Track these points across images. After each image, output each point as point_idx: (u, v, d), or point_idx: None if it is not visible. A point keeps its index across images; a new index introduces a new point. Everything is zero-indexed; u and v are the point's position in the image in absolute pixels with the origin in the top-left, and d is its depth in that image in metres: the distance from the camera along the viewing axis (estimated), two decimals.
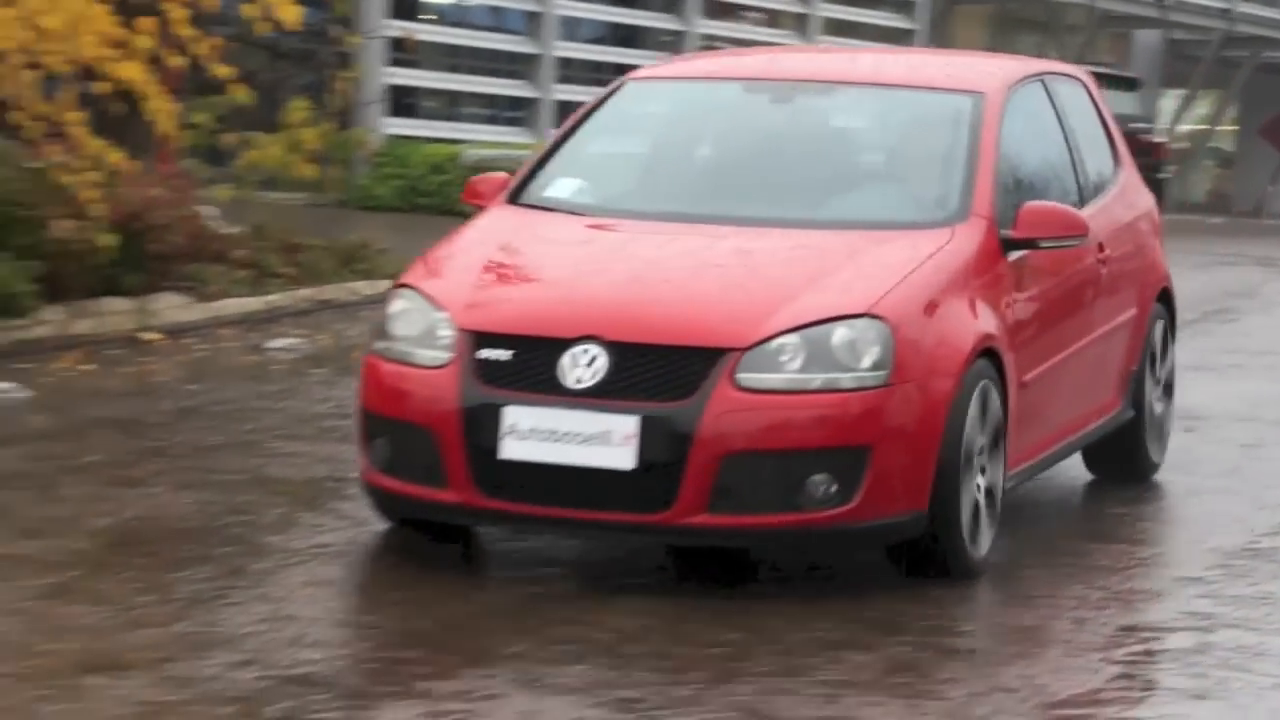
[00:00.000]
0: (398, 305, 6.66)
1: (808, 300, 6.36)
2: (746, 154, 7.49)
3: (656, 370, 6.19)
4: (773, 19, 28.30)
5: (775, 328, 6.24)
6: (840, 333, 6.27)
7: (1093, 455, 8.56)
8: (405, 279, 6.84)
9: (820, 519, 6.23)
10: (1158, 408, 8.73)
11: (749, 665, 5.65)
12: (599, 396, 6.17)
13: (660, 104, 7.94)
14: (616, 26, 25.99)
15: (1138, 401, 8.48)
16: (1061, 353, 7.45)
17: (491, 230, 7.11)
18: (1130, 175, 8.85)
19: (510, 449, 6.21)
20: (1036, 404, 7.18)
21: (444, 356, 6.38)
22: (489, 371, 6.31)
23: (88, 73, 10.42)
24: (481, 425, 6.24)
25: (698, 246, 6.78)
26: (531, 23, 23.63)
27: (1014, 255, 6.98)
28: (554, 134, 7.56)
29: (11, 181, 10.80)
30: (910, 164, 7.41)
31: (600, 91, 7.81)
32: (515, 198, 7.33)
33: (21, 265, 10.50)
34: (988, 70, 7.90)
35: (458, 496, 6.32)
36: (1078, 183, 8.06)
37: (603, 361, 6.21)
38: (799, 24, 28.01)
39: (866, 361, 6.25)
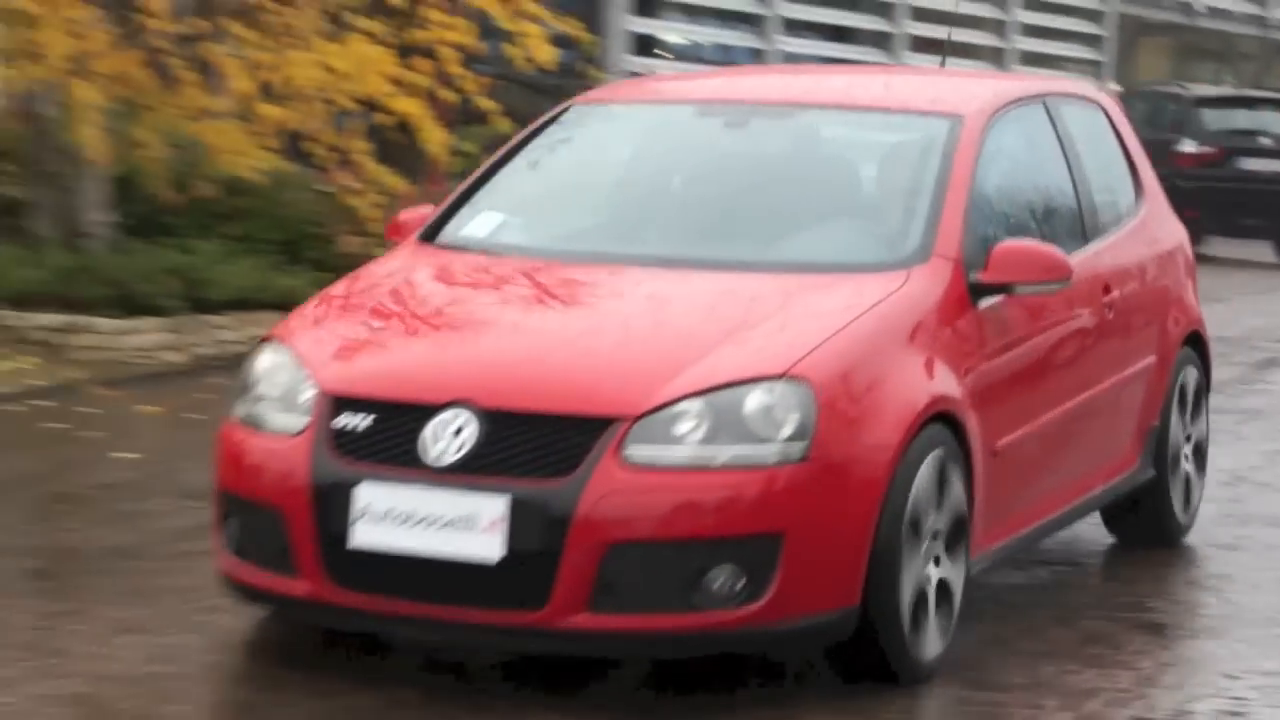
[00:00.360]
0: (263, 362, 5.77)
1: (719, 359, 5.40)
2: (688, 186, 6.62)
3: (532, 443, 5.25)
4: (969, 50, 27.71)
5: (675, 392, 5.28)
6: (754, 398, 5.29)
7: (1111, 516, 7.64)
8: (276, 330, 5.94)
9: (724, 620, 5.24)
10: (1185, 466, 7.73)
11: None
12: (465, 473, 5.24)
13: (603, 130, 7.04)
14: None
15: (1159, 460, 7.48)
16: (1052, 410, 6.48)
17: (386, 274, 6.24)
18: (1156, 207, 7.87)
19: (362, 535, 5.30)
20: (1019, 471, 6.26)
21: (299, 423, 5.49)
22: (345, 442, 5.40)
23: (371, 107, 12.02)
24: (332, 506, 5.34)
25: (610, 293, 5.91)
26: (757, 60, 23.54)
27: (986, 302, 6.02)
28: (485, 163, 6.82)
29: (306, 203, 12.71)
30: (869, 196, 6.47)
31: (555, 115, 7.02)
32: (431, 235, 6.49)
33: (313, 276, 11.49)
34: (973, 91, 6.97)
35: (308, 589, 5.42)
36: (1081, 217, 7.11)
37: (472, 432, 5.28)
38: (995, 57, 27.51)
39: (784, 432, 5.27)
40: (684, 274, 5.92)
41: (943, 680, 5.72)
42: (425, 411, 5.33)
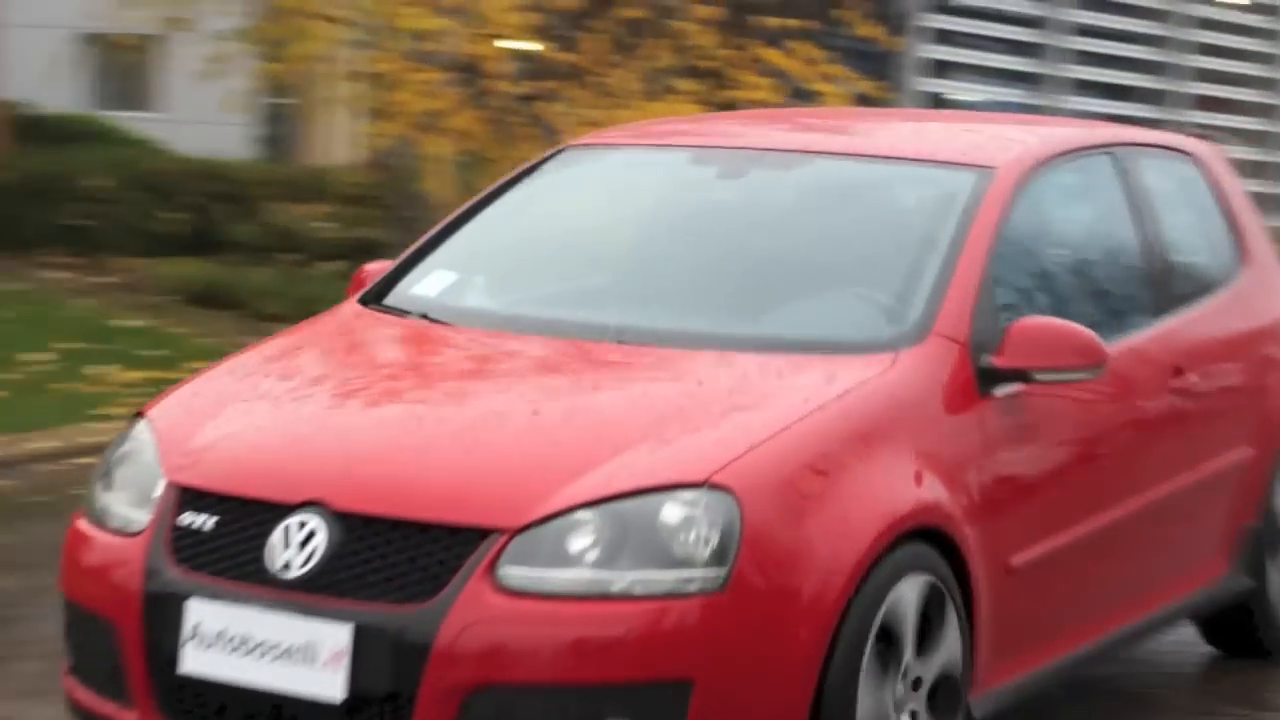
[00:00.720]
0: (125, 445, 4.83)
1: (630, 460, 4.32)
2: (663, 246, 5.57)
3: (389, 557, 4.25)
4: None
5: (567, 500, 4.22)
6: (667, 510, 4.21)
7: (1207, 625, 6.59)
8: (148, 406, 4.99)
9: None
10: None
11: None
12: (308, 592, 4.27)
13: (587, 177, 6.02)
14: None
15: (1256, 566, 6.34)
16: (1096, 516, 5.36)
17: (297, 341, 5.30)
18: (1262, 274, 6.62)
19: (192, 660, 4.38)
20: (1047, 591, 5.17)
21: (144, 520, 4.59)
22: (186, 546, 4.48)
23: None
24: (163, 622, 4.43)
25: (533, 371, 4.90)
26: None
27: (1004, 390, 4.95)
28: (459, 210, 5.93)
29: None
30: (870, 261, 5.28)
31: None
32: (378, 294, 5.54)
33: None
34: (1017, 140, 5.84)
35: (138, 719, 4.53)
36: (1152, 287, 5.97)
37: (322, 539, 4.31)
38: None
39: (700, 554, 4.18)
40: (632, 351, 4.89)
41: None
42: (277, 512, 4.38)
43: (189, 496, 4.53)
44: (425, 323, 5.25)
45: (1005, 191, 5.34)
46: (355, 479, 4.38)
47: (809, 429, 4.47)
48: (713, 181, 5.70)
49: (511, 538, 4.18)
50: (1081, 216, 5.92)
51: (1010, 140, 5.84)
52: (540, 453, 4.39)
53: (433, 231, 5.76)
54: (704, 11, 14.16)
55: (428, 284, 5.51)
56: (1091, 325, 5.12)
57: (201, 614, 4.37)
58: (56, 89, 17.88)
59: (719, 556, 4.18)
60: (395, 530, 4.25)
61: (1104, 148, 6.09)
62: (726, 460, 4.29)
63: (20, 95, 17.65)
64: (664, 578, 4.16)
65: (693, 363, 4.79)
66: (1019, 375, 4.96)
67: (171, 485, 4.56)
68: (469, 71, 13.05)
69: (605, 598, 4.15)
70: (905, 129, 6.39)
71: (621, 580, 4.16)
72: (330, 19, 13.52)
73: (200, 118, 16.85)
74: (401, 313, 5.35)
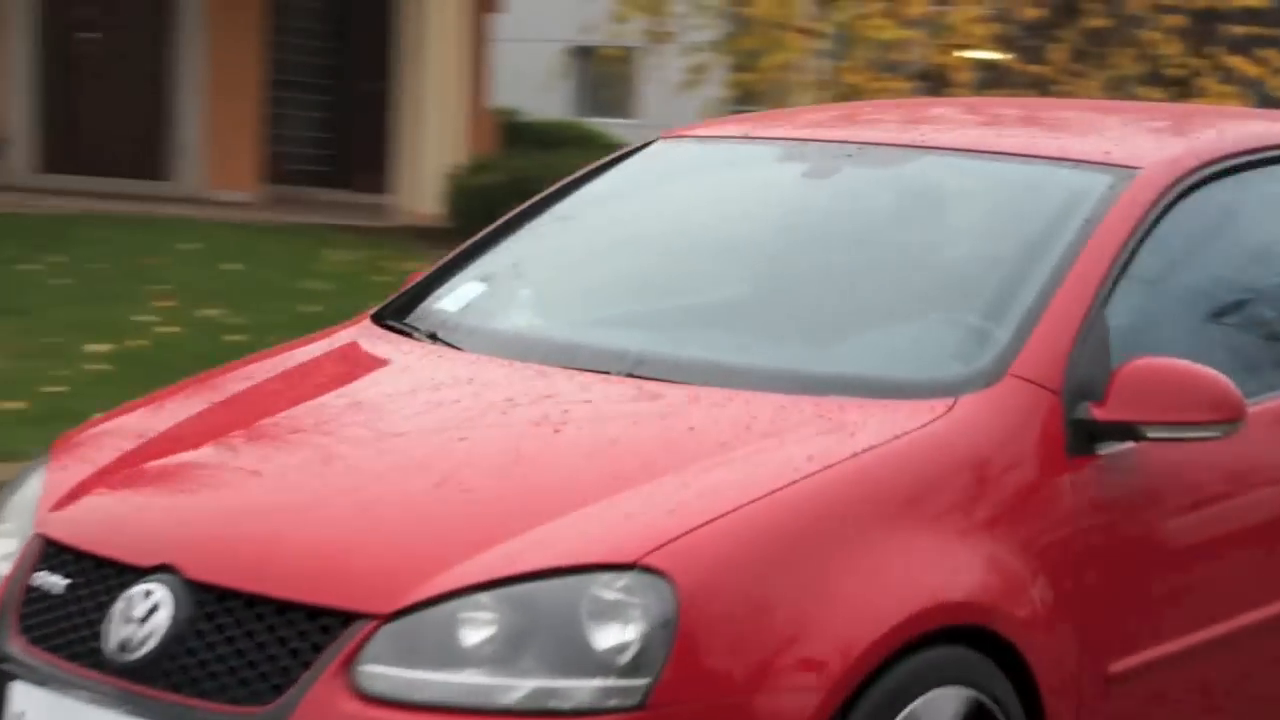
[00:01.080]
0: (27, 480, 4.02)
1: (555, 530, 3.32)
2: (724, 259, 4.66)
3: (240, 642, 3.34)
4: None
5: (458, 580, 3.23)
6: (587, 599, 3.19)
7: None
8: (62, 438, 4.19)
9: None
10: None
11: None
12: (141, 680, 3.39)
13: (670, 176, 5.04)
14: None
15: None
16: (1246, 613, 4.19)
17: (271, 365, 4.42)
18: None
19: None
20: (1171, 709, 4.08)
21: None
22: (35, 611, 3.64)
23: None
24: None
25: (495, 410, 3.90)
26: None
27: (1109, 449, 3.86)
28: (523, 206, 5.00)
29: None
30: (958, 281, 4.26)
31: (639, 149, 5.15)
32: (403, 307, 4.56)
33: None
34: (1182, 136, 4.71)
35: None
36: None
37: (166, 614, 3.40)
38: None
39: (619, 657, 3.17)
40: (637, 386, 3.89)
41: None
42: (126, 577, 3.51)
43: (50, 551, 3.68)
44: (426, 345, 4.28)
45: (1145, 199, 4.16)
46: (216, 541, 3.47)
47: (799, 497, 3.40)
48: (797, 182, 4.72)
49: (379, 626, 3.21)
50: (1260, 238, 4.63)
51: (1172, 138, 4.70)
52: (446, 517, 3.43)
53: (486, 231, 4.82)
54: (1170, 20, 14.30)
55: (456, 296, 4.56)
56: (1248, 373, 4.15)
57: (26, 703, 3.52)
58: (546, 98, 18.97)
59: (640, 663, 3.15)
60: (250, 609, 3.33)
61: None
62: (672, 535, 3.24)
63: (513, 103, 18.89)
64: (576, 688, 3.15)
65: (699, 403, 3.80)
66: (1129, 431, 3.85)
67: (36, 537, 3.74)
68: (933, 80, 13.46)
69: (497, 713, 3.15)
70: (1048, 120, 5.14)
71: (520, 688, 3.16)
72: (808, 32, 14.14)
73: (677, 124, 17.68)
74: (410, 331, 4.39)
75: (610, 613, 3.18)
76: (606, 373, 3.96)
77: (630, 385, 3.90)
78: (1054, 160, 4.41)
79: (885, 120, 5.21)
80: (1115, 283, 4.05)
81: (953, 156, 4.58)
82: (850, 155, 4.68)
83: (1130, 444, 3.91)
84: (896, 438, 3.64)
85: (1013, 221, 4.36)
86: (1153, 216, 4.20)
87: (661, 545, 3.24)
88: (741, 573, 3.28)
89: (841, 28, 14.39)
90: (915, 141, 4.66)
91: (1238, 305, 4.54)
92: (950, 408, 3.74)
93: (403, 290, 4.65)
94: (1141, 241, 4.15)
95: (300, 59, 18.14)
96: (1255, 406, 4.08)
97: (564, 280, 4.75)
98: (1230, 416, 3.89)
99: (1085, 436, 3.84)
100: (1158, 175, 4.28)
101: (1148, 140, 4.67)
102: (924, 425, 3.67)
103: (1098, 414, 3.84)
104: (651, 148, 5.03)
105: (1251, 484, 4.25)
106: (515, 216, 4.85)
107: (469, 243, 4.79)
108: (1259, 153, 4.61)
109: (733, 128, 5.12)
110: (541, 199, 4.90)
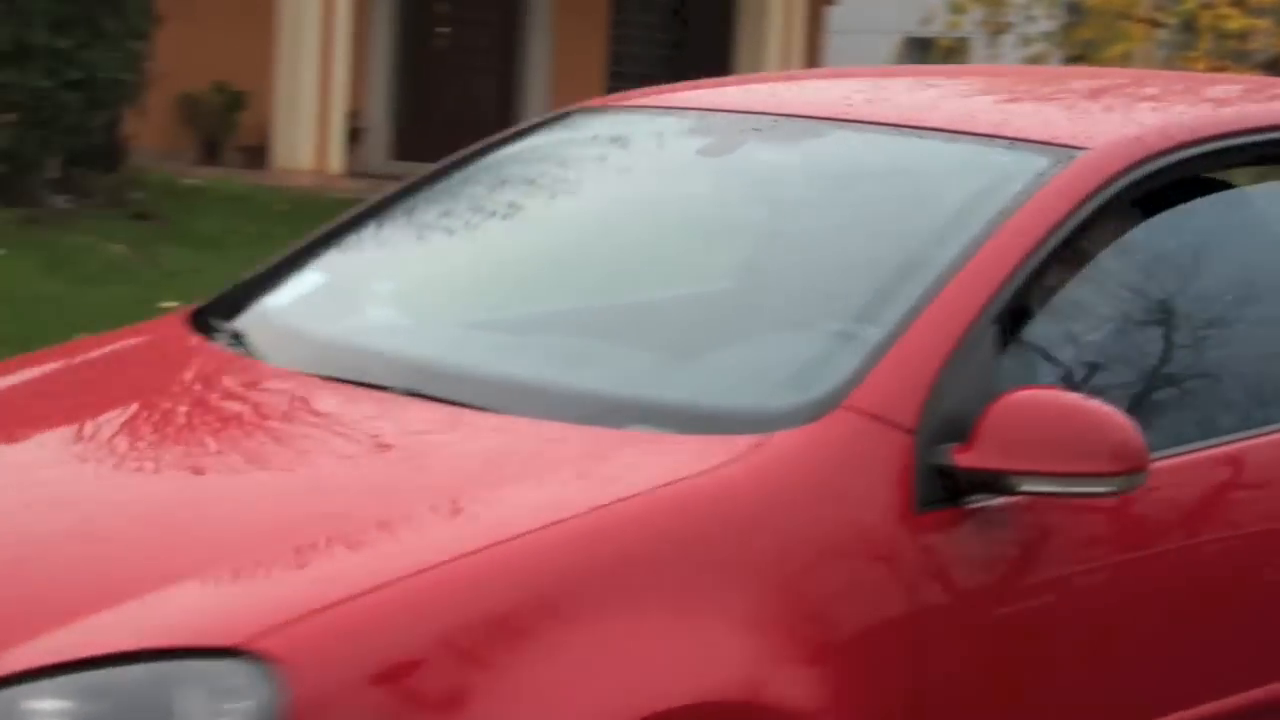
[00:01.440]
0: None
1: (149, 604, 2.62)
2: (582, 253, 3.94)
3: None
4: None
5: (18, 663, 2.54)
6: (174, 692, 2.50)
7: None
8: None
9: None
10: None
11: None
12: None
13: (570, 151, 4.21)
14: None
15: None
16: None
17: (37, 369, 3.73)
18: None
19: None
20: None
21: None
22: None
23: None
24: None
25: (215, 439, 3.24)
26: None
27: (982, 503, 3.01)
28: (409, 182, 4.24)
29: None
30: (826, 288, 3.47)
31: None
32: (232, 304, 3.79)
33: None
34: (1161, 111, 3.75)
35: None
36: None
37: None
38: None
39: None
40: (394, 406, 3.21)
41: None
42: None
43: None
44: (220, 353, 3.56)
45: (1080, 188, 3.27)
46: None
47: (498, 564, 2.66)
48: (689, 162, 3.94)
49: None
50: (1232, 244, 3.78)
51: (1135, 114, 3.71)
52: (29, 581, 2.73)
53: (354, 213, 4.08)
54: None
55: (293, 288, 3.85)
56: (1205, 415, 3.41)
57: None
58: None
59: None
60: None
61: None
62: (298, 613, 2.54)
63: None
64: None
65: (454, 434, 3.12)
66: (997, 483, 2.98)
67: None
68: (1278, 70, 13.25)
69: None
70: (1059, 90, 4.14)
71: None
72: (1155, 23, 14.01)
73: None
74: (213, 333, 3.67)
75: (205, 709, 2.46)
76: (385, 389, 3.23)
77: (393, 406, 3.19)
78: (989, 138, 3.49)
79: (826, 88, 4.30)
80: (1022, 293, 3.15)
81: (874, 132, 3.71)
82: (759, 129, 3.82)
83: (1007, 499, 3.02)
84: (662, 486, 2.83)
85: (913, 213, 3.49)
86: (1088, 211, 3.25)
87: (281, 625, 2.50)
88: (390, 665, 2.51)
89: (1185, 17, 14.20)
90: (838, 114, 3.78)
91: (1185, 334, 3.56)
92: (755, 447, 2.91)
93: (240, 282, 3.87)
94: (1069, 242, 3.23)
95: (641, 51, 18.54)
96: (1186, 456, 3.24)
97: (405, 276, 3.98)
98: (1128, 468, 2.96)
99: (945, 488, 2.96)
100: (1105, 159, 3.34)
101: (1122, 115, 3.68)
102: (708, 470, 2.87)
103: (960, 460, 2.96)
104: (568, 119, 4.19)
105: (1169, 558, 3.25)
106: (391, 197, 4.08)
107: (331, 226, 4.03)
108: (1236, 136, 3.55)
109: (656, 96, 4.24)
110: (425, 177, 4.15)
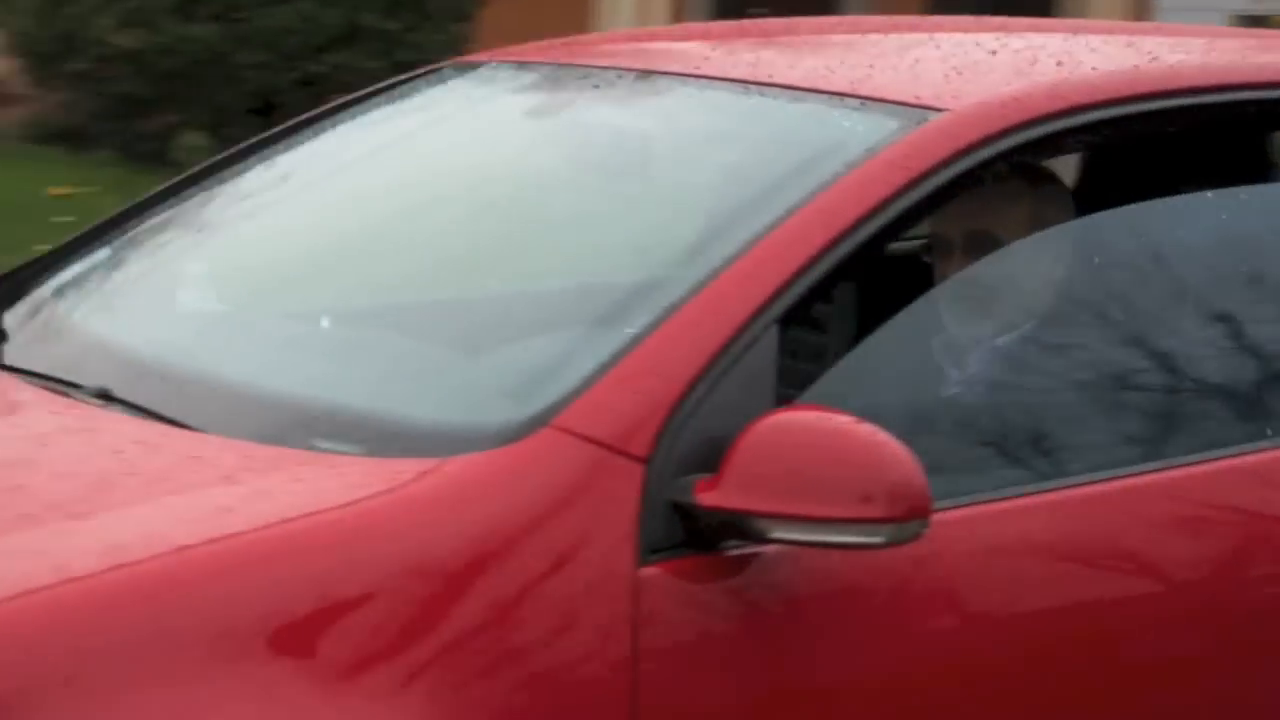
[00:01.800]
0: None
1: None
2: (375, 234, 3.35)
3: None
4: None
5: None
6: None
7: None
8: None
9: None
10: None
11: None
12: None
13: (414, 115, 3.64)
14: None
15: None
16: None
17: None
18: None
19: None
20: None
21: None
22: None
23: None
24: None
25: None
26: None
27: (739, 550, 2.43)
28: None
29: None
30: (597, 276, 2.98)
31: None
32: (21, 286, 3.33)
33: None
34: (1049, 67, 3.03)
35: None
36: (1246, 383, 3.01)
37: None
38: None
39: None
40: (57, 413, 2.79)
41: None
42: None
43: None
44: None
45: (922, 157, 2.66)
46: None
47: (24, 617, 2.14)
48: (515, 125, 3.44)
49: None
50: (1138, 225, 3.11)
51: (1059, 70, 2.98)
52: None
53: (180, 178, 3.55)
54: None
55: (69, 274, 3.34)
56: (1047, 453, 2.76)
57: None
58: None
59: None
60: None
61: (1235, 90, 2.99)
62: None
63: None
64: None
65: (93, 444, 2.62)
66: (745, 527, 2.38)
67: None
68: None
69: None
70: (970, 38, 3.40)
71: None
72: None
73: None
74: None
75: None
76: (72, 391, 2.80)
77: (57, 413, 2.74)
78: (841, 97, 2.92)
79: (688, 42, 3.81)
80: (822, 289, 2.54)
81: (718, 90, 3.15)
82: (598, 87, 3.33)
83: (763, 547, 2.38)
84: (276, 524, 2.25)
85: (716, 188, 2.98)
86: (931, 188, 2.63)
87: None
88: None
89: None
90: (689, 70, 3.27)
91: (1035, 352, 2.99)
92: (420, 475, 2.34)
93: (32, 261, 3.38)
94: (899, 226, 2.62)
95: None
96: (1016, 501, 2.59)
97: (171, 255, 3.41)
98: (901, 514, 2.32)
99: (690, 531, 2.36)
100: (962, 124, 2.71)
101: (1015, 71, 3.00)
102: (344, 505, 2.30)
103: (703, 497, 2.34)
104: (437, 74, 3.66)
105: (1009, 635, 2.57)
106: (228, 158, 3.53)
107: (154, 192, 3.50)
108: (1142, 100, 2.86)
109: (539, 50, 3.68)
110: (260, 140, 3.58)
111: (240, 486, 2.40)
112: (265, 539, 2.22)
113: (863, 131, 2.76)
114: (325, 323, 3.00)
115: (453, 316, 2.97)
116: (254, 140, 3.61)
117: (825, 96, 2.94)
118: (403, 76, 3.76)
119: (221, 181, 3.48)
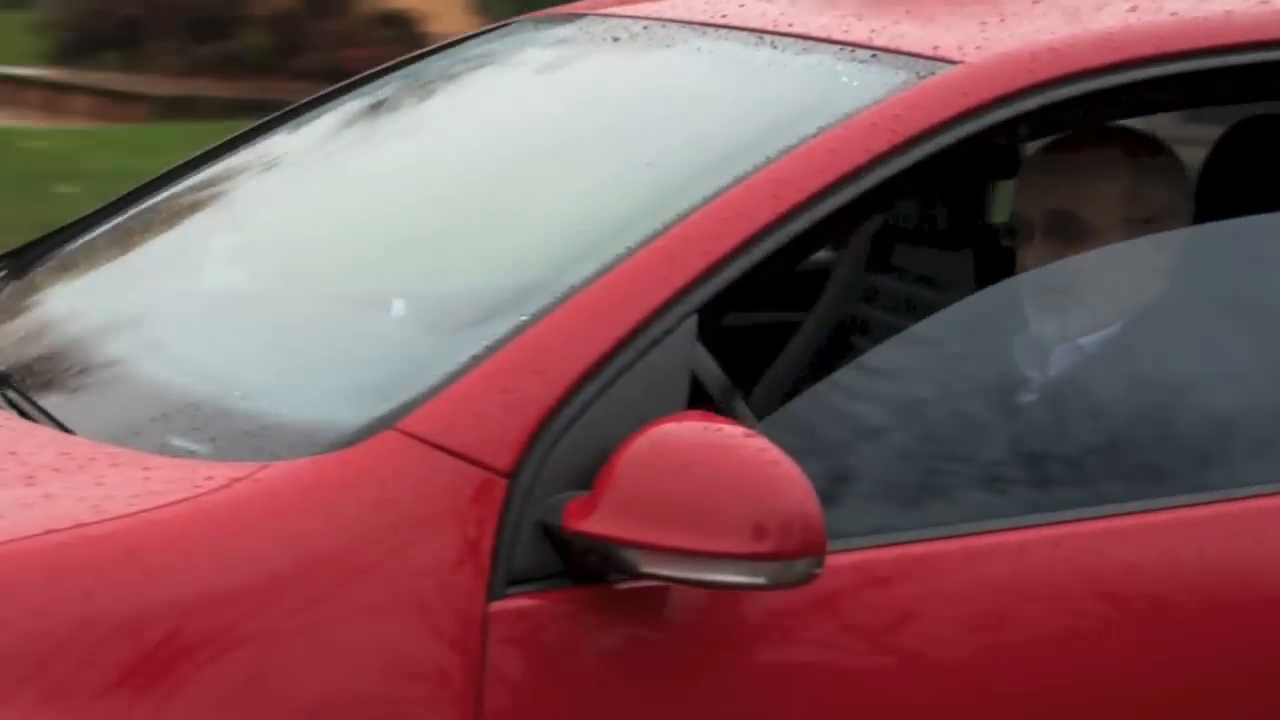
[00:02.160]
0: None
1: None
2: (361, 210, 2.96)
3: None
4: None
5: None
6: None
7: None
8: None
9: None
10: None
11: None
12: None
13: (475, 70, 3.26)
14: None
15: None
16: None
17: None
18: None
19: None
20: None
21: None
22: None
23: None
24: None
25: None
26: None
27: (628, 585, 2.04)
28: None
29: None
30: (514, 255, 2.54)
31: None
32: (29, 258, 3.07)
33: None
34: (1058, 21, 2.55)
35: None
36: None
37: None
38: None
39: None
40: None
41: None
42: None
43: None
44: None
45: (923, 116, 2.27)
46: None
47: None
48: (525, 83, 3.09)
49: None
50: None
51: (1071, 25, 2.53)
52: None
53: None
54: None
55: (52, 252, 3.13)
56: (1005, 484, 2.30)
57: None
58: None
59: None
60: None
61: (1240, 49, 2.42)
62: None
63: None
64: None
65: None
66: (617, 558, 2.00)
67: None
68: None
69: None
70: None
71: None
72: None
73: None
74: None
75: None
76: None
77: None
78: (851, 48, 2.53)
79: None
80: (759, 273, 2.14)
81: (730, 41, 2.77)
82: (618, 39, 2.93)
83: (652, 582, 2.01)
84: (41, 535, 1.95)
85: (683, 150, 2.53)
86: (920, 155, 2.23)
87: None
88: None
89: None
90: (709, 19, 2.84)
91: (1000, 360, 2.54)
92: (230, 483, 2.01)
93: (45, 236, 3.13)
94: (878, 197, 2.24)
95: None
96: (956, 541, 2.17)
97: (220, 235, 3.02)
98: (790, 550, 1.94)
99: (566, 561, 2.01)
100: (973, 80, 2.30)
101: (1055, 21, 2.52)
102: (121, 517, 1.98)
103: (572, 522, 1.99)
104: (507, 29, 3.26)
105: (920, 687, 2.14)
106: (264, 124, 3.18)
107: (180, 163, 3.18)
108: (1193, 59, 2.38)
109: (615, 4, 3.15)
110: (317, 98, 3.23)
111: (34, 489, 2.08)
112: (13, 553, 1.91)
113: (857, 87, 2.37)
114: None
115: (343, 301, 2.58)
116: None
117: (837, 48, 2.55)
118: (476, 31, 3.38)
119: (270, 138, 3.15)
